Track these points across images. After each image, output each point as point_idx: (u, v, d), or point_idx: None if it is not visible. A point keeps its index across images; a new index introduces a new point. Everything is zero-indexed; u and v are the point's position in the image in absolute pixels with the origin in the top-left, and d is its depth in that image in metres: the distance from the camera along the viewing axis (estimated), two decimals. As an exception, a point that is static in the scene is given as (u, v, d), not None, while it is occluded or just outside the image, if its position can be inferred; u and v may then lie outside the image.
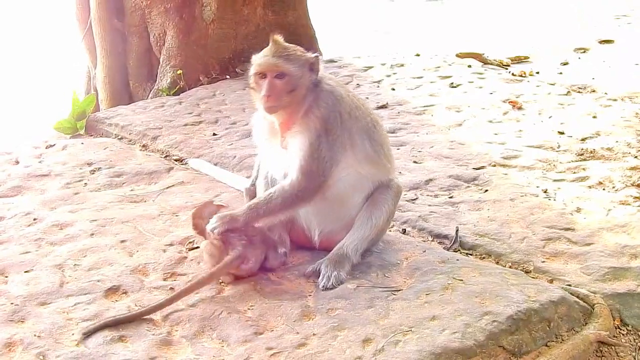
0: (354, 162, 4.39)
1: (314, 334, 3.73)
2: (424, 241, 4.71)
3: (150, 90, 8.49)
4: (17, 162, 6.18)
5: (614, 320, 3.96)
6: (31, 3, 14.44)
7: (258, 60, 4.38)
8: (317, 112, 4.33)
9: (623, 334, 3.93)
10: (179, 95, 7.89)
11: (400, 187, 4.59)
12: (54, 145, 6.57)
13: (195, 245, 4.66)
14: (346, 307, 3.92)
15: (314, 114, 4.33)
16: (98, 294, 4.21)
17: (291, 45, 4.46)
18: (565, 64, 8.62)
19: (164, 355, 3.70)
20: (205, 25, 8.46)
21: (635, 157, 5.65)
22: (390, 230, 4.80)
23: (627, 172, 5.40)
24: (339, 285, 4.12)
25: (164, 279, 4.35)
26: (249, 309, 4.01)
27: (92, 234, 4.90)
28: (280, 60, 4.31)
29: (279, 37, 4.42)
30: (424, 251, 4.46)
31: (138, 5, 8.56)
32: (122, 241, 4.79)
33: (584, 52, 9.22)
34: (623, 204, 4.97)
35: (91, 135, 7.10)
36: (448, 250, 4.57)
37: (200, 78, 8.37)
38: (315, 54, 4.48)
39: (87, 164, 6.09)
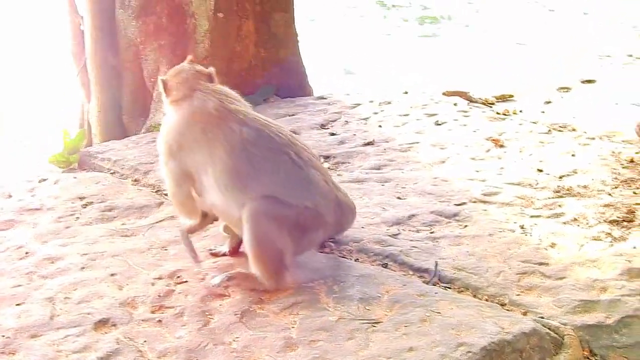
0: None
1: (296, 365, 3.88)
2: (405, 275, 4.84)
3: (143, 126, 8.61)
4: (10, 196, 6.31)
5: (583, 351, 4.11)
6: (28, 39, 14.55)
7: None
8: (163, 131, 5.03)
9: (592, 364, 4.09)
10: (171, 130, 8.00)
11: None
12: (47, 179, 6.71)
13: (183, 280, 4.81)
14: (328, 339, 4.05)
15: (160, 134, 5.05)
16: (87, 327, 4.33)
17: None
18: (548, 102, 8.76)
19: (152, 385, 3.85)
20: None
21: (610, 194, 5.80)
22: (372, 264, 4.97)
23: (600, 209, 5.55)
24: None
25: (152, 312, 4.47)
26: (234, 340, 4.14)
27: (83, 268, 5.03)
28: None
29: None
30: (404, 285, 4.59)
31: (132, 42, 8.71)
32: (112, 274, 4.91)
33: (567, 91, 9.37)
34: (595, 239, 5.12)
35: (84, 170, 7.22)
36: (427, 284, 4.69)
37: (193, 114, 8.48)
38: (163, 77, 4.96)
39: (79, 198, 6.22)
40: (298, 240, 4.58)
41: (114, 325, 4.36)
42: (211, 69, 5.08)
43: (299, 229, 4.54)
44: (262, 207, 4.47)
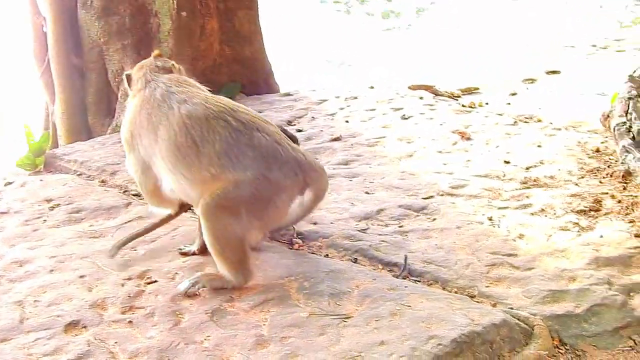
0: None
1: (267, 362, 3.88)
2: (375, 269, 4.85)
3: (109, 126, 8.58)
4: (-24, 200, 6.27)
5: (553, 340, 4.14)
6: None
7: None
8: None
9: (561, 353, 4.10)
10: (137, 130, 7.97)
11: None
12: (13, 182, 6.68)
13: (153, 280, 4.79)
14: (299, 335, 4.06)
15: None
16: (58, 329, 4.32)
17: None
18: (514, 94, 8.80)
19: (123, 386, 3.85)
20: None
21: (576, 184, 5.84)
22: (342, 260, 4.98)
23: (567, 199, 5.58)
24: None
25: (122, 313, 4.46)
26: (205, 339, 4.13)
27: (52, 270, 5.01)
28: None
29: None
30: (374, 279, 4.61)
31: (96, 42, 8.68)
32: (81, 276, 4.89)
33: (532, 82, 9.42)
34: (563, 229, 5.15)
35: (50, 172, 7.19)
36: (397, 277, 4.71)
37: (158, 113, 8.45)
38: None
39: (46, 200, 6.19)
40: (261, 214, 4.51)
41: (85, 327, 4.35)
42: (172, 63, 5.11)
43: (258, 204, 4.45)
44: (212, 201, 4.42)
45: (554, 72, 9.99)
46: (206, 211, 4.45)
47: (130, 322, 4.35)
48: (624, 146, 5.84)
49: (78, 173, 6.97)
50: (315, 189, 4.66)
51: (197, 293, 4.54)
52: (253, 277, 4.59)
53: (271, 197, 4.47)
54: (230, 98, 8.50)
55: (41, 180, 6.70)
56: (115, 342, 4.18)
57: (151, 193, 4.96)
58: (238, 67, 9.15)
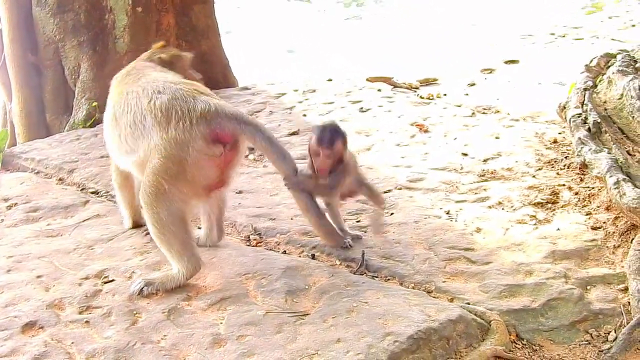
0: None
1: (224, 361, 3.88)
2: (332, 265, 4.86)
3: (67, 123, 8.53)
4: None
5: (510, 335, 4.15)
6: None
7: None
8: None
9: (519, 348, 4.11)
10: (94, 127, 7.95)
11: None
12: (-30, 181, 6.64)
13: (110, 279, 4.77)
14: (256, 333, 4.05)
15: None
16: (15, 330, 4.29)
17: None
18: (472, 85, 8.84)
19: (80, 387, 3.83)
20: (119, 57, 8.51)
21: (533, 176, 5.87)
22: (300, 256, 4.98)
23: (524, 191, 5.61)
24: None
25: (80, 312, 4.44)
26: (162, 338, 4.12)
27: (9, 270, 4.97)
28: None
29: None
30: (332, 275, 4.61)
31: (51, 40, 8.62)
32: (39, 276, 4.86)
33: (490, 72, 9.46)
34: (520, 222, 5.18)
35: (8, 170, 7.13)
36: (355, 273, 4.72)
37: (116, 110, 8.41)
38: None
39: (4, 199, 6.15)
40: (181, 178, 4.35)
41: (42, 327, 4.32)
42: (173, 53, 5.15)
43: (171, 169, 4.31)
44: (143, 187, 4.40)
45: (512, 61, 10.04)
46: (142, 199, 4.44)
47: (87, 322, 4.34)
48: (579, 138, 5.86)
49: (36, 171, 6.92)
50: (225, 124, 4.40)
51: (154, 293, 4.52)
52: (200, 264, 4.56)
53: (179, 156, 4.32)
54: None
55: (-2, 179, 6.66)
56: (72, 343, 4.16)
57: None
58: (195, 61, 9.07)
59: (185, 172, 4.34)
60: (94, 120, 8.22)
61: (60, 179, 6.68)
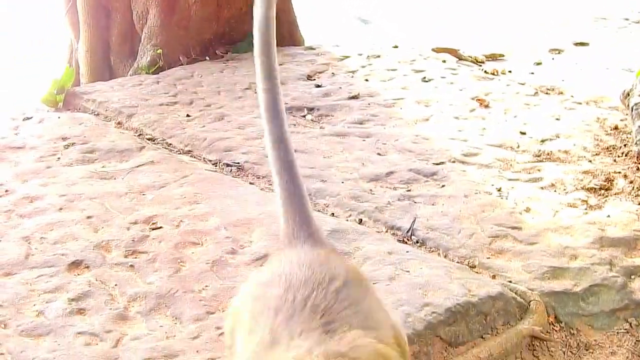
0: None
1: (261, 316, 3.92)
2: (378, 232, 4.87)
3: (131, 67, 8.60)
4: (-6, 133, 6.34)
5: (549, 317, 4.16)
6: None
7: None
8: None
9: (556, 331, 4.12)
10: (157, 74, 8.00)
11: None
12: (32, 117, 6.73)
13: (158, 226, 4.84)
14: (296, 293, 4.10)
15: None
16: (61, 267, 4.39)
17: None
18: (539, 63, 8.77)
19: (119, 329, 3.89)
20: (187, 7, 8.53)
21: (590, 161, 5.81)
22: (347, 219, 5.00)
23: (579, 175, 5.56)
24: None
25: (126, 256, 4.52)
26: (203, 289, 4.19)
27: (61, 209, 5.07)
28: None
29: None
30: (377, 241, 4.63)
31: (123, -17, 8.68)
32: (89, 217, 4.95)
33: (559, 53, 9.37)
34: (571, 206, 5.13)
35: (69, 110, 7.22)
36: (400, 242, 4.73)
37: (180, 58, 8.45)
38: None
39: (62, 138, 6.24)
40: None
41: (87, 267, 4.42)
42: None
43: None
44: None
45: (582, 43, 9.93)
46: None
47: (132, 266, 4.42)
48: (640, 127, 5.81)
49: (96, 113, 7.00)
50: None
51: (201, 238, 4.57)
52: None
53: None
54: (251, 49, 8.57)
55: (59, 117, 6.74)
56: (116, 285, 4.25)
57: None
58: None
59: None
60: (157, 67, 8.26)
61: (118, 123, 6.75)
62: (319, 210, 5.11)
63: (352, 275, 2.80)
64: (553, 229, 4.86)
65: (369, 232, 4.81)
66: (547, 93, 7.51)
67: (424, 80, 7.79)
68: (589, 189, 5.38)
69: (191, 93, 7.31)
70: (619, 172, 5.63)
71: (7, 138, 6.24)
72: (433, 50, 8.94)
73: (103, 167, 5.75)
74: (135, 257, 4.51)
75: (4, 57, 11.26)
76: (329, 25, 12.39)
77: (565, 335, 4.11)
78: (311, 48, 8.89)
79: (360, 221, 5.00)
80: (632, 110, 6.18)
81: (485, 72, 8.25)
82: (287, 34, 9.25)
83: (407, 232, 4.82)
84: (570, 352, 4.04)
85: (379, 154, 5.97)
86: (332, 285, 2.65)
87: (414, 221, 4.90)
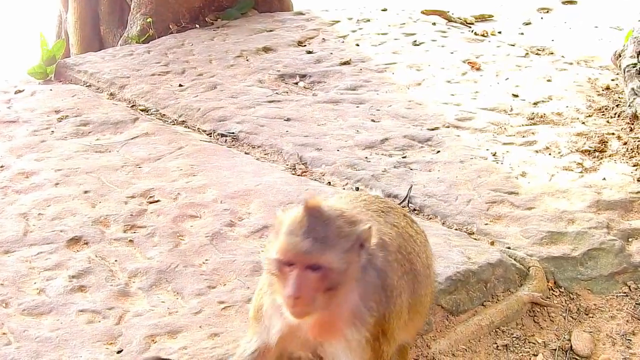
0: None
1: (263, 289, 3.93)
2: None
3: (120, 37, 8.55)
4: (-14, 108, 6.31)
5: (548, 282, 4.18)
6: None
7: (283, 242, 2.92)
8: (368, 317, 3.06)
9: (556, 296, 4.15)
10: (148, 43, 7.96)
11: None
12: (23, 90, 6.70)
13: (155, 199, 4.84)
14: (296, 264, 4.10)
15: (363, 319, 3.06)
16: (60, 244, 4.40)
17: (334, 213, 2.99)
18: (528, 23, 8.74)
19: (121, 306, 3.91)
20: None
21: (583, 123, 5.82)
22: (344, 188, 5.00)
23: (573, 137, 5.57)
24: None
25: (124, 231, 4.53)
26: (203, 263, 4.20)
27: (57, 184, 5.07)
28: (318, 245, 2.89)
29: (318, 203, 2.97)
30: (375, 210, 4.64)
31: (112, -48, 8.62)
32: (86, 192, 4.96)
33: (547, 12, 9.33)
34: (566, 169, 5.15)
35: (60, 82, 7.19)
36: (398, 209, 4.73)
37: (170, 27, 8.41)
38: (368, 225, 3.00)
39: (55, 111, 6.23)
40: None
41: (86, 243, 4.42)
42: None
43: None
44: None
45: (570, 2, 9.87)
46: None
47: (131, 241, 4.43)
48: (632, 89, 5.80)
49: (87, 84, 6.98)
50: None
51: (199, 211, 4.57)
52: None
53: None
54: (242, 14, 8.53)
55: (51, 90, 6.73)
56: (116, 261, 4.26)
57: None
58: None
59: None
60: (147, 36, 8.23)
61: (111, 94, 6.73)
62: (315, 179, 5.11)
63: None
64: (549, 193, 4.87)
65: (366, 200, 4.80)
66: (537, 54, 7.50)
67: (414, 44, 7.75)
68: (584, 152, 5.39)
69: (183, 62, 7.28)
70: (613, 134, 5.63)
71: (-1, 112, 6.22)
72: (422, 12, 8.89)
73: (97, 139, 5.74)
74: (134, 232, 4.51)
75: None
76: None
77: (565, 300, 4.13)
78: (300, 13, 8.84)
79: (357, 189, 4.99)
80: (624, 72, 6.18)
81: (475, 33, 8.21)
82: (276, -1, 9.23)
83: (404, 200, 4.82)
84: (571, 316, 4.06)
85: (373, 120, 5.96)
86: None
87: (410, 189, 4.90)
